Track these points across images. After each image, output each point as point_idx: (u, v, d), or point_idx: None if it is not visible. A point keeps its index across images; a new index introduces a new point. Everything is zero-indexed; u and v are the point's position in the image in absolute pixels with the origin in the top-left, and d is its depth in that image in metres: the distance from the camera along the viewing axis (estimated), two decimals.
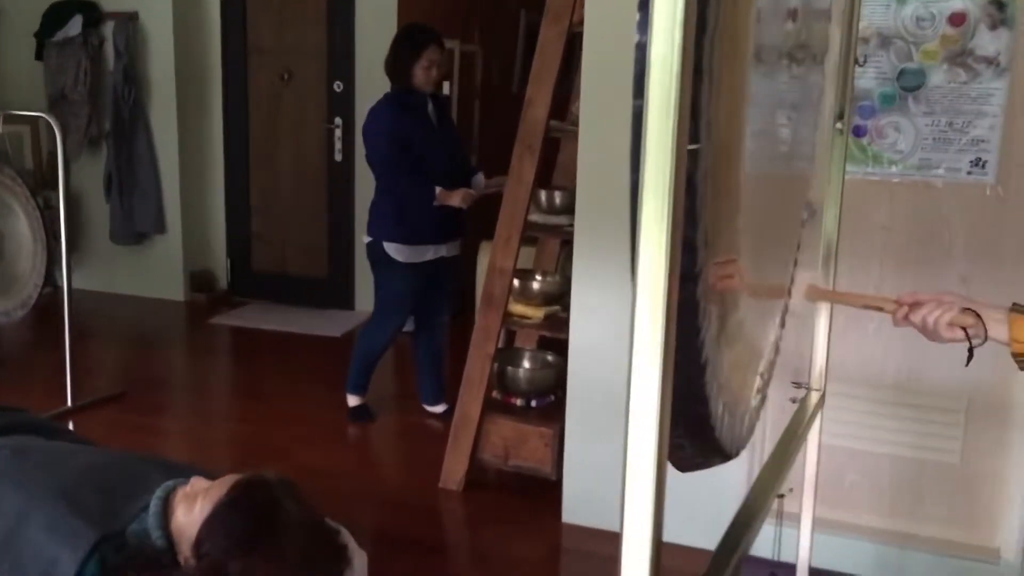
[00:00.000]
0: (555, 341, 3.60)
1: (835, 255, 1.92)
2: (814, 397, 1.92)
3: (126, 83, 5.80)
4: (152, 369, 5.01)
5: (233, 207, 6.22)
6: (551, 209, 3.70)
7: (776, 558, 1.65)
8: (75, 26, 5.82)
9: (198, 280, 6.20)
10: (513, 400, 3.62)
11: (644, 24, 0.79)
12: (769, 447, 1.85)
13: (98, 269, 6.22)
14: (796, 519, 2.06)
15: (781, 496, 1.57)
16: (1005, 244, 2.75)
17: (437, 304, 4.18)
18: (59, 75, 5.90)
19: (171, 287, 6.11)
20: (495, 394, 3.61)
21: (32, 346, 5.27)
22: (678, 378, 1.13)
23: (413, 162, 3.88)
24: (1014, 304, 1.49)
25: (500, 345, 3.66)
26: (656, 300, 0.79)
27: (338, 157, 5.89)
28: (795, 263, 1.81)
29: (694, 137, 0.93)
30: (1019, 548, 2.79)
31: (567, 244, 3.75)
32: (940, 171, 2.78)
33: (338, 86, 5.82)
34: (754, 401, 1.49)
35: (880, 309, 1.64)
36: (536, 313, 3.60)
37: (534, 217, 3.62)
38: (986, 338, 1.48)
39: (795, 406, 1.93)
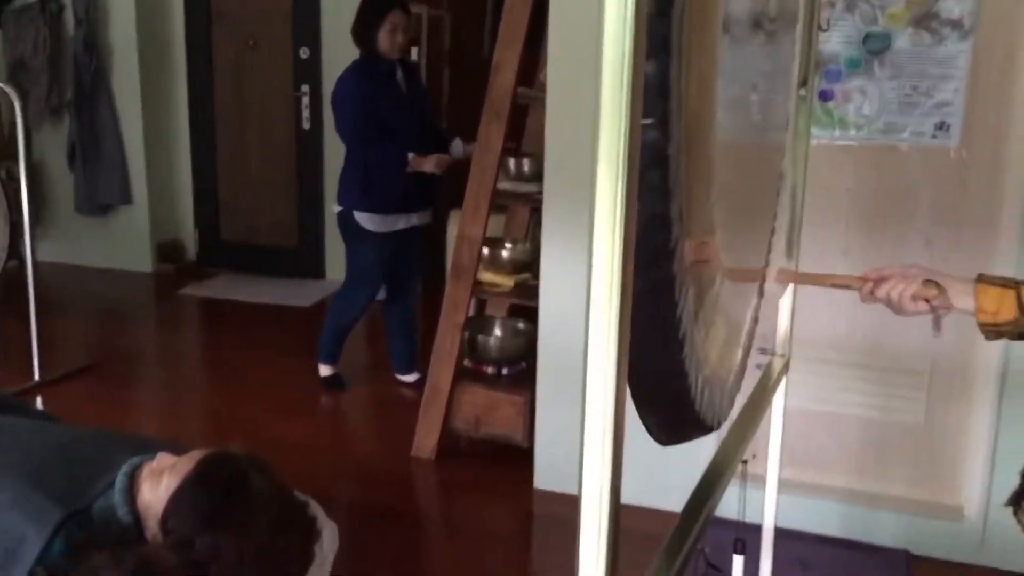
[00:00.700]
0: (526, 309, 3.60)
1: (799, 221, 1.93)
2: (778, 363, 1.94)
3: (87, 51, 5.68)
4: (120, 342, 4.97)
5: (200, 177, 6.14)
6: (520, 176, 3.68)
7: (741, 518, 1.67)
8: None
9: (166, 251, 6.13)
10: (484, 368, 3.63)
11: None
12: (738, 412, 1.87)
13: (63, 241, 6.13)
14: (763, 481, 2.08)
15: (745, 462, 1.59)
16: (969, 207, 2.77)
17: (409, 273, 4.16)
18: (17, 43, 5.78)
19: (138, 258, 6.04)
20: (466, 362, 3.62)
21: None
22: (656, 354, 1.13)
23: (383, 130, 3.84)
24: (980, 275, 1.51)
25: (471, 314, 3.66)
26: (609, 275, 0.78)
27: (306, 125, 5.82)
28: (773, 231, 1.81)
29: (663, 113, 0.92)
30: (981, 506, 2.85)
31: (537, 211, 3.74)
32: (905, 135, 2.79)
33: (304, 52, 5.74)
34: (734, 372, 1.50)
35: (848, 287, 1.65)
36: (506, 281, 3.60)
37: (503, 185, 3.60)
38: (949, 308, 1.49)
39: (761, 372, 1.95)
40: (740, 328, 1.45)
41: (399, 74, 3.94)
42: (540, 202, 3.24)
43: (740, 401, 1.81)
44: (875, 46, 2.77)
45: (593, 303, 0.82)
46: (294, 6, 5.71)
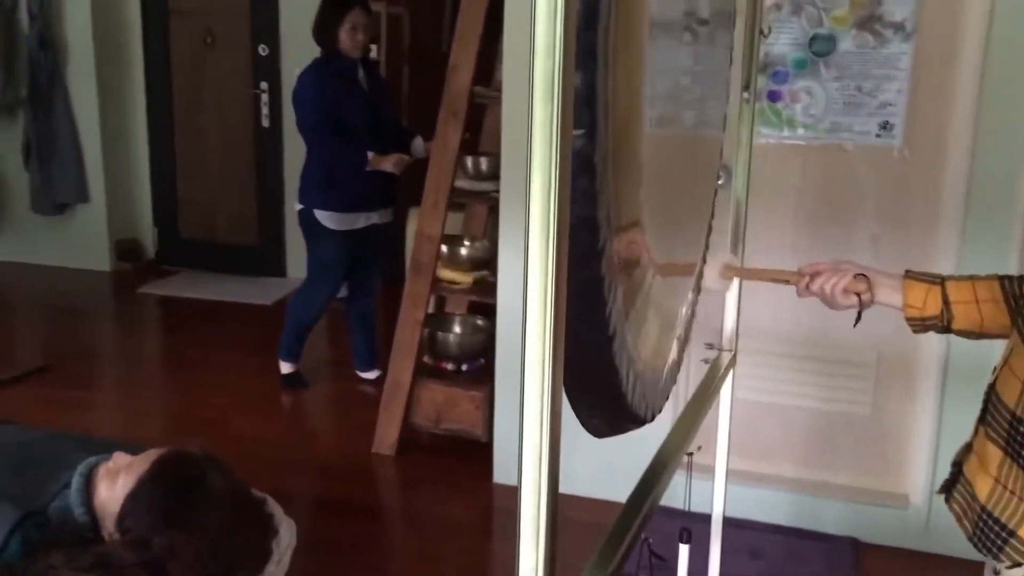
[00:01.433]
0: (484, 306, 3.64)
1: (744, 220, 1.99)
2: (725, 358, 1.99)
3: (41, 48, 5.62)
4: (78, 341, 4.93)
5: (158, 174, 6.11)
6: (478, 175, 3.72)
7: (687, 508, 1.73)
8: None
9: (124, 249, 6.09)
10: (444, 365, 3.66)
11: None
12: (685, 405, 1.93)
13: (19, 240, 6.06)
14: (713, 472, 2.15)
15: (691, 454, 1.64)
16: (912, 204, 2.86)
17: (370, 271, 4.19)
18: None
19: (96, 257, 5.99)
20: (426, 359, 3.65)
21: None
22: (587, 350, 1.18)
23: (343, 128, 3.86)
24: (907, 271, 1.57)
25: (430, 311, 3.69)
26: (542, 276, 0.83)
27: (265, 123, 5.81)
28: (710, 229, 1.87)
29: (590, 122, 0.97)
30: (925, 494, 2.94)
31: (494, 210, 3.78)
32: (850, 134, 2.87)
33: (263, 50, 5.73)
34: (669, 366, 1.56)
35: (786, 282, 1.71)
36: (465, 278, 3.64)
37: (461, 183, 3.63)
38: (873, 301, 1.55)
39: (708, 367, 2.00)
40: (674, 322, 1.50)
41: (360, 72, 3.96)
42: (497, 200, 3.28)
43: (689, 394, 1.87)
44: (821, 48, 2.84)
45: (529, 303, 0.88)
46: (252, 2, 5.70)
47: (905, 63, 2.78)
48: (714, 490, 2.07)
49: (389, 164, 3.87)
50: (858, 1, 2.79)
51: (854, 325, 1.56)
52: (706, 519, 2.08)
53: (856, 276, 1.56)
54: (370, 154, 3.84)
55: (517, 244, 3.20)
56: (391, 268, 4.81)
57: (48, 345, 4.83)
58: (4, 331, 4.28)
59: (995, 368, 1.34)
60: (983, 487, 1.31)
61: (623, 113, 1.07)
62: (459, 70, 3.34)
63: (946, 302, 1.51)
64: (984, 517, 1.30)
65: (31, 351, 4.59)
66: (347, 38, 3.84)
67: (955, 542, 2.83)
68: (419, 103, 5.76)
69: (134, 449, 1.76)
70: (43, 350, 4.65)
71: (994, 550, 1.29)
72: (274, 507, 1.88)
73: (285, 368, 4.20)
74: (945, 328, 1.54)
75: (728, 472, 3.02)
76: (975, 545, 1.33)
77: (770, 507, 3.06)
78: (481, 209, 4.16)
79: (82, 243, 5.99)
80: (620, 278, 1.14)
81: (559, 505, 0.88)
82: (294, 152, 4.96)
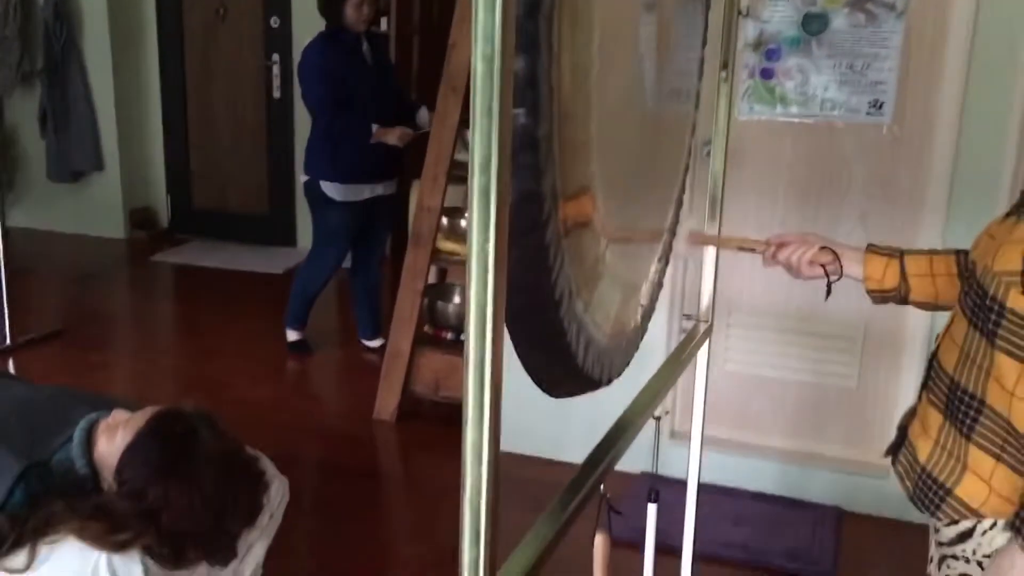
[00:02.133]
0: None
1: (722, 193, 2.05)
2: (702, 328, 2.07)
3: (57, 19, 5.71)
4: (92, 307, 5.06)
5: (172, 144, 6.20)
6: None
7: (654, 471, 1.81)
8: None
9: (138, 218, 6.20)
10: (444, 334, 3.75)
11: None
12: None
13: (36, 207, 6.18)
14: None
15: (658, 418, 1.72)
16: (900, 182, 2.91)
17: (374, 242, 4.27)
18: None
19: (111, 225, 6.11)
20: (426, 328, 3.74)
21: None
22: (534, 314, 1.26)
23: (348, 101, 3.93)
24: (869, 244, 1.64)
25: (432, 281, 3.78)
26: (483, 247, 0.90)
27: (276, 94, 5.88)
28: (679, 201, 1.93)
29: (533, 101, 1.04)
30: None
31: None
32: (841, 112, 2.91)
33: (275, 21, 5.79)
34: (629, 331, 1.63)
35: (753, 250, 1.77)
36: (464, 250, 3.71)
37: (461, 156, 3.70)
38: (841, 274, 1.62)
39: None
40: (636, 290, 1.57)
41: (364, 46, 4.02)
42: None
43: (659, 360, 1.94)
44: (813, 26, 2.88)
45: (473, 270, 0.95)
46: None
47: (896, 42, 2.82)
48: (689, 456, 2.15)
49: (393, 137, 3.94)
50: None
51: (825, 299, 1.63)
52: (682, 483, 2.16)
53: (822, 248, 1.63)
54: (374, 127, 3.91)
55: None
56: (397, 238, 4.89)
57: (62, 310, 4.95)
58: (21, 296, 4.40)
59: (937, 336, 1.41)
60: (924, 448, 1.38)
61: (569, 91, 1.14)
62: (459, 46, 3.41)
63: (904, 275, 1.58)
64: (924, 477, 1.38)
65: (47, 316, 4.71)
66: (352, 12, 3.90)
67: None
68: (429, 78, 5.80)
69: (133, 406, 1.86)
70: (58, 315, 4.77)
71: (932, 508, 1.37)
72: (266, 464, 1.98)
73: (291, 335, 4.31)
74: (903, 300, 1.60)
75: (717, 441, 3.11)
76: (915, 503, 1.40)
77: (758, 476, 3.14)
78: None
79: (97, 211, 6.11)
80: (568, 245, 1.21)
81: (500, 466, 0.96)
82: (304, 123, 5.01)
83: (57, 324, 4.52)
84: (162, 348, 4.60)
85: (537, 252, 1.07)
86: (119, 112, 5.97)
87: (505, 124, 0.93)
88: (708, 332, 2.09)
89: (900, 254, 1.59)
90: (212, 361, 4.26)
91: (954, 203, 2.78)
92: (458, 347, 3.71)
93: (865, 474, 3.08)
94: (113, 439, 1.76)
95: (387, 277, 4.48)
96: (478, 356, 0.99)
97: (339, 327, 4.73)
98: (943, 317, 1.63)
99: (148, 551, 1.67)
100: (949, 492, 1.34)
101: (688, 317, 2.11)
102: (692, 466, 2.17)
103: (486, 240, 0.96)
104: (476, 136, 0.93)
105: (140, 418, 1.78)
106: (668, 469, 2.67)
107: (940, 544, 1.41)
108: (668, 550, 1.94)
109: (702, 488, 2.17)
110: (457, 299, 3.89)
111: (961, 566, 1.36)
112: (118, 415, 1.81)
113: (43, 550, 1.64)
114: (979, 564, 1.34)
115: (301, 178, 4.14)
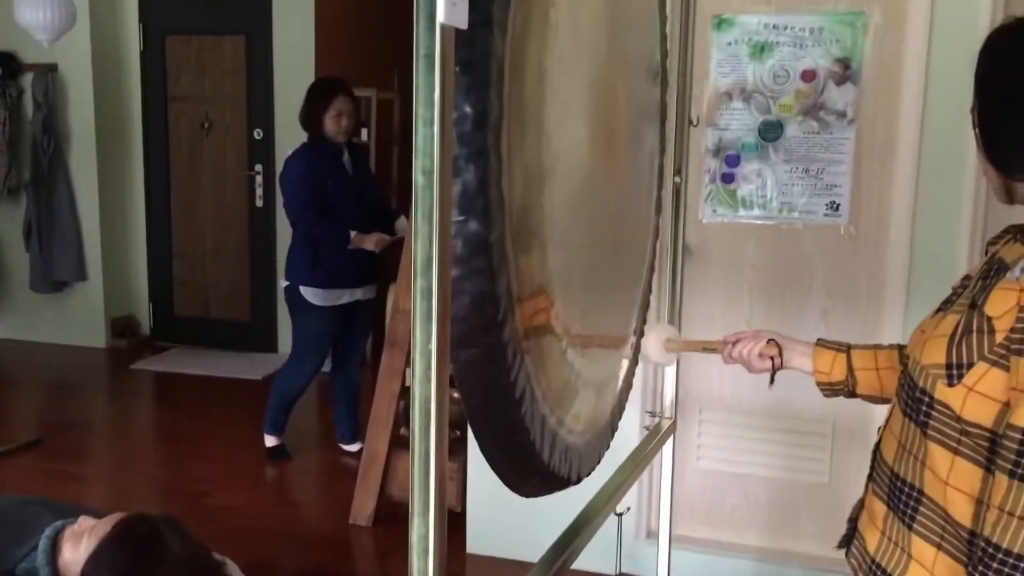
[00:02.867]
0: None
1: (680, 293, 2.12)
2: (665, 424, 2.11)
3: (45, 133, 5.87)
4: (71, 416, 5.04)
5: (155, 253, 6.29)
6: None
7: (617, 571, 1.82)
8: None
9: (120, 326, 6.24)
10: None
11: None
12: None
13: (18, 318, 6.23)
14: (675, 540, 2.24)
15: (620, 514, 1.75)
16: (859, 279, 3.00)
17: (353, 346, 4.32)
18: None
19: (92, 334, 6.14)
20: (403, 431, 3.75)
21: None
22: (495, 412, 1.30)
23: (327, 208, 4.03)
24: (819, 339, 1.70)
25: (408, 384, 3.80)
26: (427, 323, 0.96)
27: (259, 203, 6.01)
28: (644, 304, 2.00)
29: (483, 209, 1.11)
30: None
31: None
32: (800, 214, 3.02)
33: (258, 133, 5.96)
34: (599, 429, 1.67)
35: (714, 350, 1.83)
36: None
37: None
38: (782, 365, 1.68)
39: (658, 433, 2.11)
40: (603, 388, 1.62)
41: (345, 156, 4.15)
42: None
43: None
44: (769, 133, 3.01)
45: (417, 367, 1.01)
46: (248, 89, 5.95)
47: (848, 147, 2.95)
48: (658, 555, 2.16)
49: (370, 243, 4.03)
50: (802, 91, 2.97)
51: (769, 386, 1.69)
52: None
53: (769, 342, 1.69)
54: (352, 233, 4.01)
55: None
56: (376, 342, 4.94)
57: (41, 419, 4.94)
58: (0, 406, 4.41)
59: (879, 429, 1.46)
60: (872, 540, 1.41)
61: (521, 196, 1.21)
62: None
63: (851, 369, 1.63)
64: (874, 568, 1.40)
65: (25, 425, 4.70)
66: (332, 124, 4.04)
67: None
68: (408, 185, 5.96)
69: (99, 514, 1.87)
70: (36, 425, 4.76)
71: None
72: (232, 569, 1.98)
73: (269, 441, 4.30)
74: (851, 393, 1.66)
75: (692, 540, 3.11)
76: None
77: (735, 575, 3.12)
78: None
79: (79, 320, 6.15)
80: (528, 344, 1.27)
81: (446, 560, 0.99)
82: (286, 231, 5.11)
83: (34, 434, 4.51)
84: (140, 457, 4.57)
85: (495, 351, 1.13)
86: (103, 222, 6.07)
87: (445, 229, 1.00)
88: (672, 428, 2.13)
89: (847, 348, 1.65)
90: (190, 469, 4.24)
91: (912, 297, 2.87)
92: None
93: (839, 570, 3.06)
94: (78, 546, 1.77)
95: (367, 380, 4.50)
96: (423, 448, 1.04)
97: (319, 431, 4.73)
98: None
99: None
100: None
101: (652, 414, 2.16)
102: (661, 565, 2.17)
103: (427, 340, 1.02)
104: (417, 241, 1.00)
105: (105, 524, 1.79)
106: (642, 568, 2.67)
107: None
108: None
109: None
110: None
111: None
112: (84, 522, 1.82)
113: None
114: None
115: (282, 283, 4.21)
